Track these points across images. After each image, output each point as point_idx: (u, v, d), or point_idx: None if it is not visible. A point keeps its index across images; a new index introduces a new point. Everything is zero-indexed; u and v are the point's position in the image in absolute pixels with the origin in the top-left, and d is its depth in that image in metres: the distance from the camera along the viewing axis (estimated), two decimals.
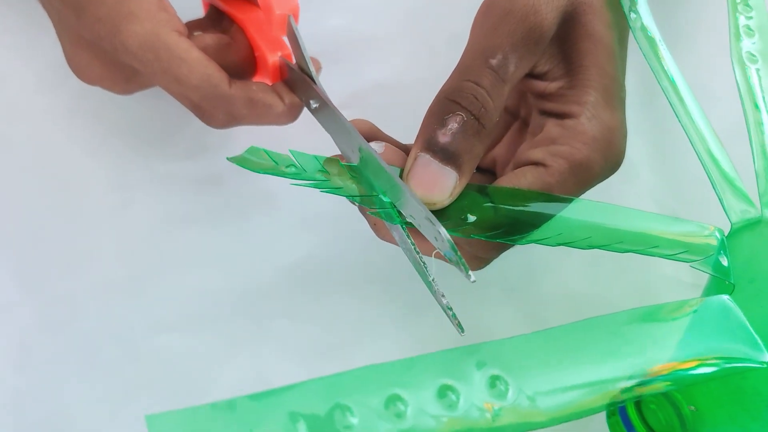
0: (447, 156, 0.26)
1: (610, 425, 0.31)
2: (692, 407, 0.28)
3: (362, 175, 0.27)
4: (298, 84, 0.31)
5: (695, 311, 0.23)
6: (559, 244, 0.26)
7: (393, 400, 0.20)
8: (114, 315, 0.34)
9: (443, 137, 0.26)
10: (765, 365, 0.23)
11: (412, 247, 0.26)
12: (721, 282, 0.25)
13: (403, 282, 0.35)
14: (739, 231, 0.27)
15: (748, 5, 0.31)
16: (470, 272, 0.23)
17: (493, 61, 0.26)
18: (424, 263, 0.26)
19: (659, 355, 0.22)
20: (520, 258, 0.36)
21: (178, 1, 0.32)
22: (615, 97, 0.28)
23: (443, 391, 0.20)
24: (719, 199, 0.27)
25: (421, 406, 0.20)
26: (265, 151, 0.27)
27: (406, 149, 0.29)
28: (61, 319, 0.34)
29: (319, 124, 0.30)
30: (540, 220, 0.27)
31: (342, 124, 0.28)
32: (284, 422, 0.19)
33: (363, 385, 0.20)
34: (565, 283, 0.36)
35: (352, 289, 0.36)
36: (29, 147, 0.37)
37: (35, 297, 0.34)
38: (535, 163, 0.28)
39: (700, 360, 0.22)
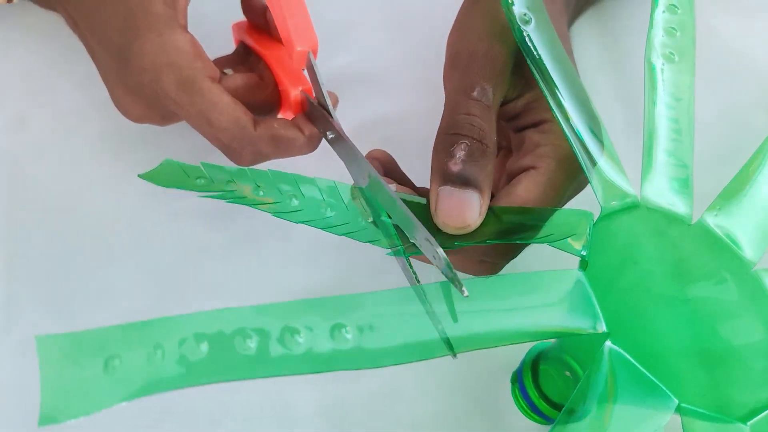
0: (465, 181, 0.29)
1: (513, 392, 0.35)
2: (568, 373, 0.31)
3: (370, 199, 0.30)
4: (317, 116, 0.35)
5: (553, 280, 0.27)
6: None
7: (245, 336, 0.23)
8: None
9: (455, 166, 0.29)
10: (603, 333, 0.26)
11: (414, 276, 0.29)
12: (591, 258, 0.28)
13: None
14: (614, 214, 0.30)
15: (674, 6, 0.34)
16: (464, 288, 0.26)
17: (475, 93, 0.31)
18: (424, 292, 0.29)
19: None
20: None
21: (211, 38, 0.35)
22: None
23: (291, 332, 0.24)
24: (592, 188, 0.30)
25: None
26: (178, 164, 0.30)
27: (414, 189, 0.33)
28: None
29: (332, 155, 0.34)
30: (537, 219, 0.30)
31: (354, 155, 0.32)
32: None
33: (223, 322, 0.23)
34: None
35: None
36: (54, 187, 0.40)
37: (66, 326, 0.37)
38: (526, 169, 0.32)
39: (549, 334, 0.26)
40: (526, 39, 0.31)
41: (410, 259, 0.30)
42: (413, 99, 0.43)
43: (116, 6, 0.34)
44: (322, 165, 0.36)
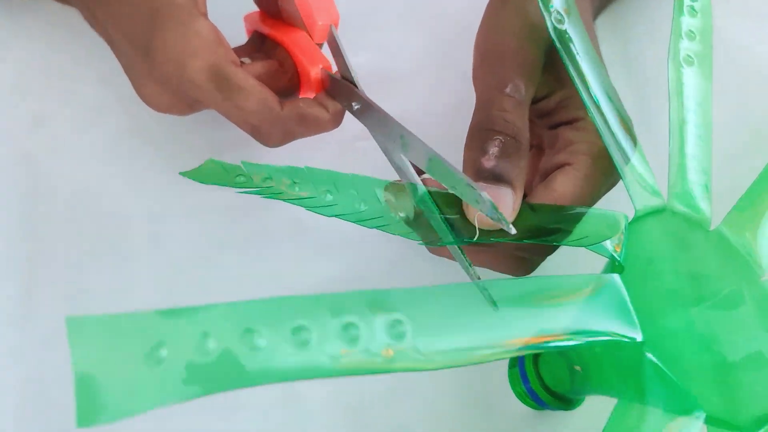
0: (498, 177, 0.29)
1: (510, 375, 0.35)
2: (578, 368, 0.31)
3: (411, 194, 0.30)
4: (340, 90, 0.35)
5: (593, 290, 0.27)
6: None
7: (299, 329, 0.22)
8: None
9: (489, 162, 0.30)
10: (635, 341, 0.26)
11: (468, 265, 0.29)
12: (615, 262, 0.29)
13: None
14: (644, 217, 0.30)
15: (694, 9, 0.35)
16: (510, 225, 0.26)
17: (508, 90, 0.31)
18: (478, 276, 0.28)
19: (555, 324, 0.26)
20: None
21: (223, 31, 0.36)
22: None
23: (347, 328, 0.23)
24: (626, 188, 0.30)
25: (324, 338, 0.22)
26: (220, 163, 0.31)
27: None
28: None
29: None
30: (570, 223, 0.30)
31: (384, 118, 0.32)
32: (197, 338, 0.20)
33: (274, 313, 0.22)
34: None
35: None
36: (71, 184, 0.41)
37: None
38: (561, 166, 0.32)
39: (588, 335, 0.26)
40: (564, 35, 0.31)
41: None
42: (431, 98, 0.44)
43: None
44: (344, 162, 0.37)
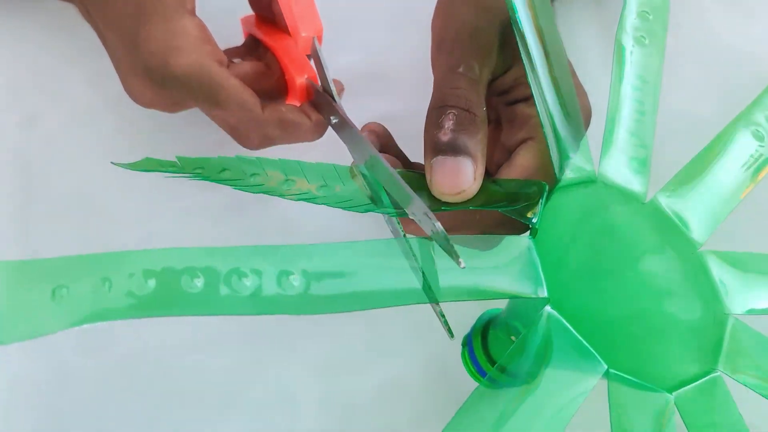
0: (455, 149, 0.29)
1: (462, 355, 0.35)
2: (514, 338, 0.32)
3: (370, 179, 0.31)
4: (323, 104, 0.35)
5: (504, 245, 0.28)
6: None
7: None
8: (147, 338, 0.38)
9: (444, 136, 0.30)
10: (541, 299, 0.27)
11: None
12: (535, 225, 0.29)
13: None
14: (571, 186, 0.30)
15: None
16: (460, 260, 0.26)
17: (460, 69, 0.32)
18: (423, 273, 0.29)
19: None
20: None
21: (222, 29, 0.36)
22: None
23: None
24: (551, 155, 0.30)
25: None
26: (157, 161, 0.30)
27: (409, 165, 0.34)
28: (98, 343, 0.38)
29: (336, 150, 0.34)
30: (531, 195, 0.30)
31: (357, 137, 0.32)
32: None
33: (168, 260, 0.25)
34: None
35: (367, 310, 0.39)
36: (63, 184, 0.41)
37: None
38: (523, 141, 0.32)
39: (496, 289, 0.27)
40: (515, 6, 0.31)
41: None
42: (418, 98, 0.43)
43: None
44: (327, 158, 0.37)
